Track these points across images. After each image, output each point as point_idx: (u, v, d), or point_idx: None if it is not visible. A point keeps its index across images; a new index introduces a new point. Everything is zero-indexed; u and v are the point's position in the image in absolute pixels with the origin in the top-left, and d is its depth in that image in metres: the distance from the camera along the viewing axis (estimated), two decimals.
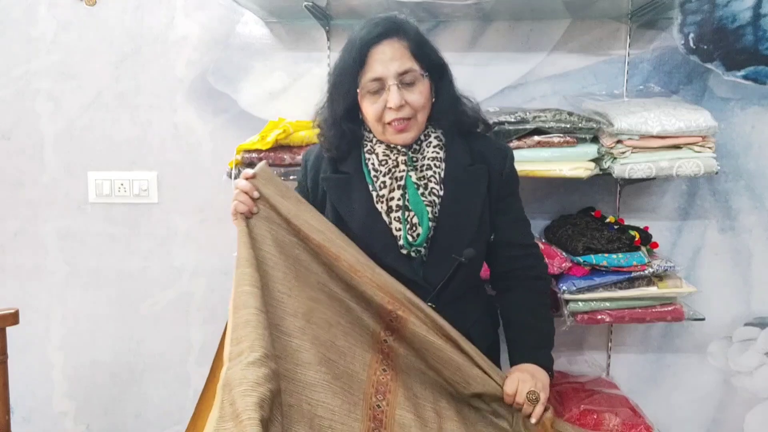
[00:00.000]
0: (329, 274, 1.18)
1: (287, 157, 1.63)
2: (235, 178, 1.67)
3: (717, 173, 1.59)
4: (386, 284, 1.18)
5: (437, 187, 1.23)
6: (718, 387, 1.92)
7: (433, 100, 1.25)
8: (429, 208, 1.21)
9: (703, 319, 1.70)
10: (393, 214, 1.22)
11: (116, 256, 2.00)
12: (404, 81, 1.19)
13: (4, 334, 1.51)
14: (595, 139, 1.63)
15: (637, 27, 1.81)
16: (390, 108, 1.18)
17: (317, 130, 1.33)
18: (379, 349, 1.18)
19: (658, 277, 1.63)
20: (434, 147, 1.25)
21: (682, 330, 1.90)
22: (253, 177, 1.18)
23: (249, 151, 1.64)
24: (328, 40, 1.88)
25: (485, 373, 1.17)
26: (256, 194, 1.17)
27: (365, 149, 1.27)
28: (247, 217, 1.16)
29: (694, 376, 1.92)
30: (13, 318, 1.51)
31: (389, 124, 1.21)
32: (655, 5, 1.66)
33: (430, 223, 1.21)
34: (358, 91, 1.21)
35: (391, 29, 1.20)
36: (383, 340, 1.17)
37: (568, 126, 1.58)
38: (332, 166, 1.29)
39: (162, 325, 2.01)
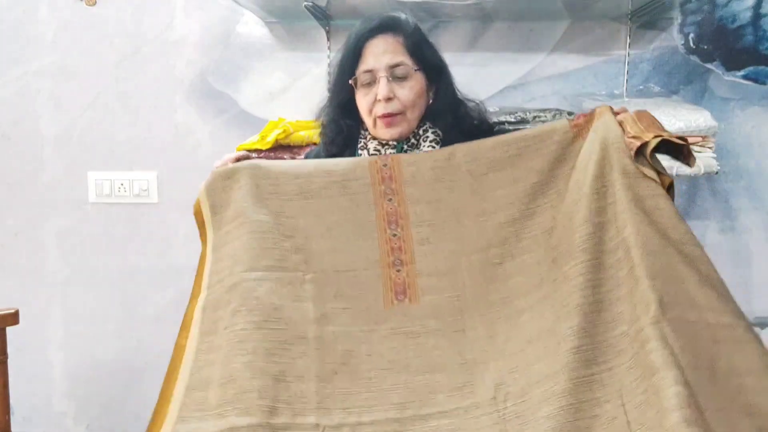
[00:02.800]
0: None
1: (287, 157, 1.63)
2: None
3: (717, 173, 1.59)
4: None
5: None
6: None
7: (431, 101, 1.26)
8: None
9: None
10: None
11: (116, 256, 2.00)
12: (395, 74, 1.19)
13: (4, 334, 1.51)
14: None
15: (637, 27, 1.81)
16: (379, 100, 1.19)
17: (318, 127, 1.34)
18: (380, 179, 1.11)
19: None
20: (430, 141, 1.25)
21: None
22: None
23: (249, 151, 1.64)
24: (328, 40, 1.88)
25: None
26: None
27: (359, 145, 1.28)
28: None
29: None
30: (13, 318, 1.51)
31: (379, 118, 1.21)
32: (655, 5, 1.66)
33: None
34: (350, 82, 1.22)
35: (386, 25, 1.21)
36: (381, 165, 1.11)
37: None
38: None
39: (162, 325, 2.01)
